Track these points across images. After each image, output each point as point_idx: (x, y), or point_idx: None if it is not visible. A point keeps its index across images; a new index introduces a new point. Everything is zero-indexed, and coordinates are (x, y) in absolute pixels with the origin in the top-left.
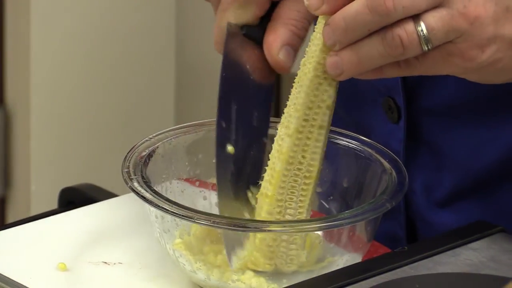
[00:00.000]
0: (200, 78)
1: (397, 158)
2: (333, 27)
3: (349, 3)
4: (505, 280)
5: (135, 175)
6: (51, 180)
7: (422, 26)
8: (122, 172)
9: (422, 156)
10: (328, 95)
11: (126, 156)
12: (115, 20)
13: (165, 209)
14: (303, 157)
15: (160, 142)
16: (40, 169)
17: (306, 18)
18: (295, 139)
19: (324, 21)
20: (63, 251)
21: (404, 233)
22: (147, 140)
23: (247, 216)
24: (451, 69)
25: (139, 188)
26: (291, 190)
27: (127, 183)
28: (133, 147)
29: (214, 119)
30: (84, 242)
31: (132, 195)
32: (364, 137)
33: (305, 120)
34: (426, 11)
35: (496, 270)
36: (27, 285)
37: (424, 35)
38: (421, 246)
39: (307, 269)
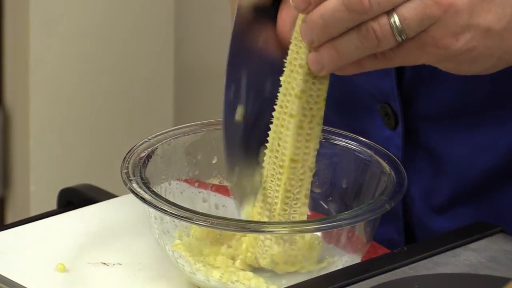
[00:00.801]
0: (199, 79)
1: (396, 159)
2: (310, 25)
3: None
4: (504, 280)
5: (134, 176)
6: (50, 180)
7: (395, 18)
8: (121, 173)
9: (420, 162)
10: (296, 83)
11: (125, 157)
12: (114, 21)
13: (164, 210)
14: (278, 144)
15: (159, 143)
16: (39, 169)
17: None
18: (274, 125)
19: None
20: (62, 251)
21: (403, 239)
22: (146, 141)
23: (258, 171)
24: (426, 58)
25: (138, 189)
26: (270, 179)
27: (126, 184)
28: (132, 148)
29: (213, 120)
30: (83, 243)
31: (131, 195)
32: None
33: (280, 106)
34: (400, 3)
35: (495, 271)
36: (26, 286)
37: (397, 26)
38: (420, 247)
39: (307, 270)
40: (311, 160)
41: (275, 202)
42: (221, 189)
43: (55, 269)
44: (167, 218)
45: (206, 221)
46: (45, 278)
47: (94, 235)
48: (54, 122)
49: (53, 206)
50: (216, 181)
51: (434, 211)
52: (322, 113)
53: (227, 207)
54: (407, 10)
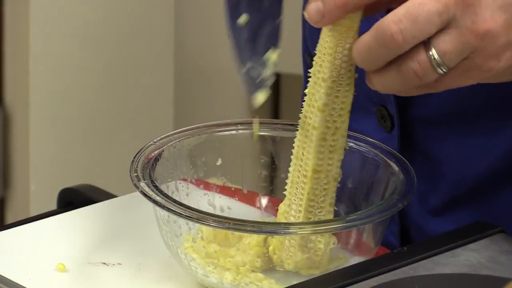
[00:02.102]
0: (199, 79)
1: (404, 159)
2: (353, 57)
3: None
4: (504, 280)
5: (144, 179)
6: (50, 180)
7: (433, 52)
8: (130, 175)
9: (417, 165)
10: (319, 96)
11: (133, 160)
12: (114, 21)
13: (179, 213)
14: (303, 154)
15: (165, 146)
16: (39, 169)
17: None
18: (299, 133)
19: (326, 30)
20: (63, 251)
21: (399, 242)
22: (151, 144)
23: (266, 72)
24: (470, 81)
25: (150, 192)
26: (295, 186)
27: (137, 187)
28: (140, 150)
29: (217, 122)
30: (83, 243)
31: (130, 196)
32: None
33: (305, 116)
34: (436, 33)
35: (495, 271)
36: (26, 286)
37: (436, 61)
38: (420, 247)
39: (319, 271)
40: (335, 170)
41: (299, 210)
42: (225, 191)
43: (55, 269)
44: (181, 220)
45: (221, 223)
46: (45, 278)
47: (94, 235)
48: (54, 122)
49: (53, 206)
50: (220, 182)
51: (430, 214)
52: (346, 125)
53: (231, 209)
54: (444, 44)
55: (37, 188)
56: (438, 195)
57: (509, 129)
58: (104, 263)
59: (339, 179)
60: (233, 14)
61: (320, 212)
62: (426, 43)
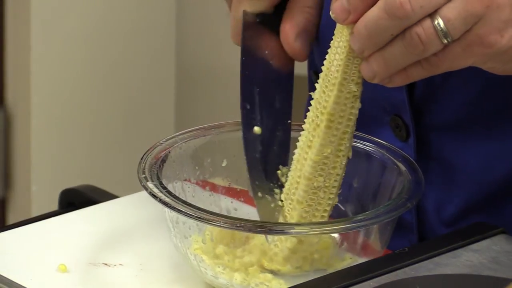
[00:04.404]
0: (200, 79)
1: (410, 158)
2: (357, 35)
3: (372, 5)
4: (506, 281)
5: (152, 181)
6: (52, 181)
7: (439, 20)
8: (138, 177)
9: (433, 174)
10: (355, 107)
11: (140, 161)
12: (115, 21)
13: (189, 214)
14: (327, 161)
15: (171, 147)
16: (41, 170)
17: (320, 4)
18: (321, 139)
19: (341, 26)
20: (64, 252)
21: None
22: (158, 145)
23: (277, 194)
24: (472, 60)
25: (160, 194)
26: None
27: (146, 189)
28: (147, 151)
29: (220, 122)
30: (84, 244)
31: (132, 196)
32: None
33: (315, 122)
34: (443, 5)
35: (496, 272)
36: (27, 287)
37: (441, 28)
38: (421, 247)
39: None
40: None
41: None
42: (231, 192)
43: (56, 270)
44: (190, 222)
45: (232, 224)
46: (47, 278)
47: (95, 236)
48: (55, 123)
49: (55, 207)
50: (225, 184)
51: (447, 223)
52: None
53: (237, 210)
54: (449, 10)
55: (39, 188)
56: (454, 203)
57: None
58: (106, 264)
59: (314, 184)
60: (248, 124)
61: (291, 203)
62: (432, 15)
